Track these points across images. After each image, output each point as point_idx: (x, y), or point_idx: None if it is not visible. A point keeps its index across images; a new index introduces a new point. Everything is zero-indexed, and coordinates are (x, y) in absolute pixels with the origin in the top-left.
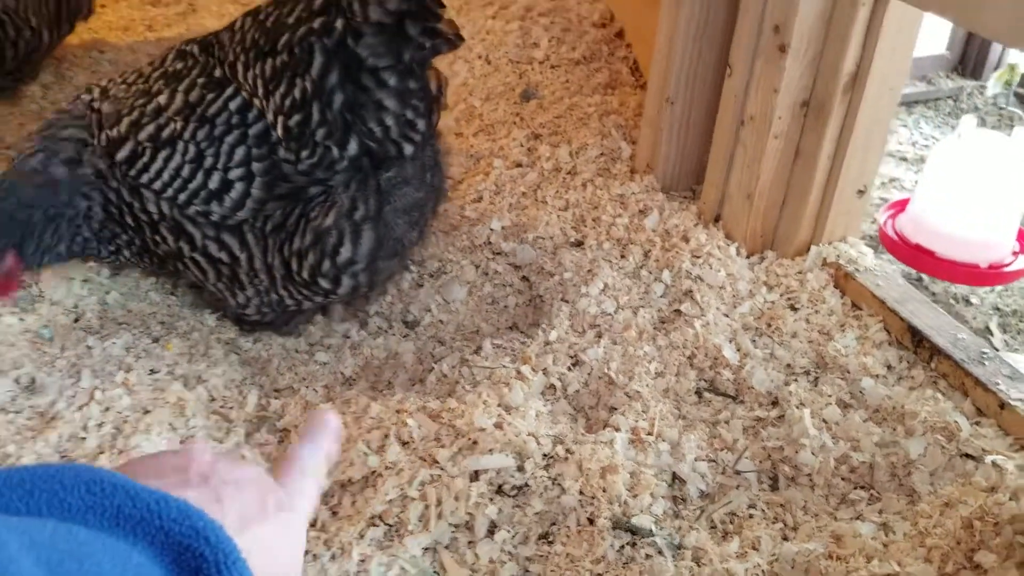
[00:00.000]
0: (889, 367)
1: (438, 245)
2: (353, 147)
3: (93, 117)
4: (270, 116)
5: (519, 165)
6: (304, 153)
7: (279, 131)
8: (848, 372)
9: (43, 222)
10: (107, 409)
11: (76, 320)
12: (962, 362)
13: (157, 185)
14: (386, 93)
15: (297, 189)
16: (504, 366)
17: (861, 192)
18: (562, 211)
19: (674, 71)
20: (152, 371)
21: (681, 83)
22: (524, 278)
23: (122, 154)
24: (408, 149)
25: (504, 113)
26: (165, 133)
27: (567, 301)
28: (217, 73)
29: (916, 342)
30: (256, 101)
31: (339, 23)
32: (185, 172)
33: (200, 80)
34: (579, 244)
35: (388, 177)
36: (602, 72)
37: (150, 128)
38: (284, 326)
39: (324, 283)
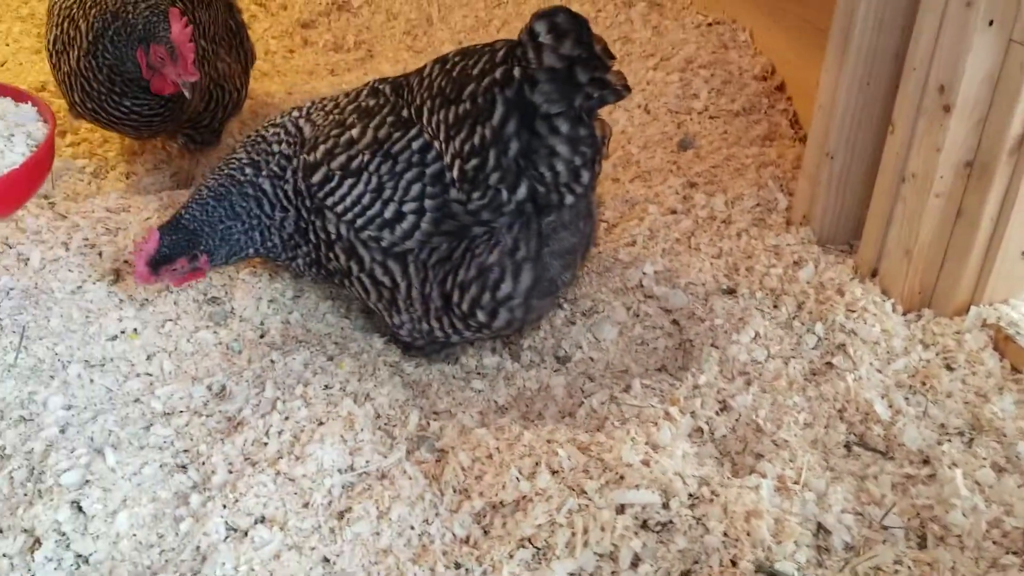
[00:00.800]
0: None
1: (591, 285)
2: (522, 191)
3: (297, 138)
4: (447, 159)
5: (673, 212)
6: (476, 195)
7: (455, 173)
8: (1004, 436)
9: (243, 232)
10: (287, 418)
11: (262, 336)
12: None
13: (339, 208)
14: (558, 139)
15: (462, 227)
16: (652, 406)
17: None
18: (715, 259)
19: (835, 126)
20: (326, 386)
21: (842, 138)
22: (674, 322)
23: (316, 178)
24: (569, 199)
25: (661, 161)
26: (354, 164)
27: (717, 347)
28: (404, 113)
29: None
30: (436, 144)
31: (516, 71)
32: (365, 200)
33: (389, 119)
34: (731, 292)
35: (548, 221)
36: (761, 124)
37: (342, 158)
38: (435, 354)
39: (481, 316)
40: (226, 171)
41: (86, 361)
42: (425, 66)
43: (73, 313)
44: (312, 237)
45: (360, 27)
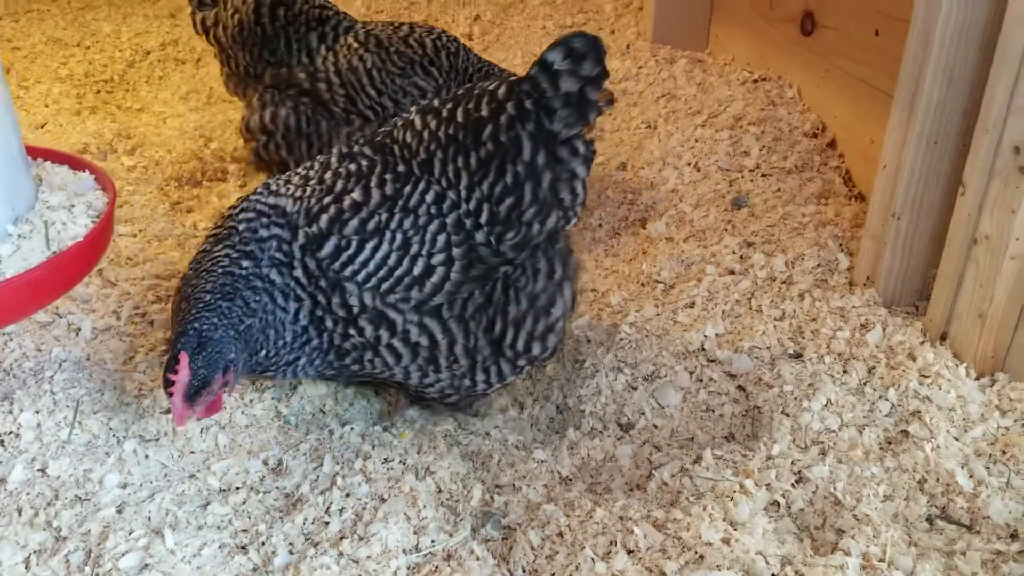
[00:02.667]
0: None
1: (651, 348)
2: (551, 221)
3: (282, 217)
4: (472, 204)
5: (732, 272)
6: (510, 234)
7: (484, 217)
8: None
9: (260, 330)
10: (347, 495)
11: (321, 409)
12: None
13: (362, 276)
14: (578, 161)
15: (489, 270)
16: (727, 479)
17: None
18: (778, 321)
19: (901, 186)
20: (386, 460)
21: (908, 198)
22: (740, 387)
23: (326, 250)
24: (575, 218)
25: (715, 220)
26: (371, 225)
27: (788, 415)
28: (401, 169)
29: None
30: (452, 192)
31: (528, 103)
32: (392, 260)
33: (388, 176)
34: (798, 356)
35: (561, 247)
36: (815, 182)
37: (354, 222)
38: (468, 407)
39: (536, 348)
40: (218, 270)
41: (141, 436)
42: (410, 121)
43: (127, 385)
44: (329, 323)
45: None
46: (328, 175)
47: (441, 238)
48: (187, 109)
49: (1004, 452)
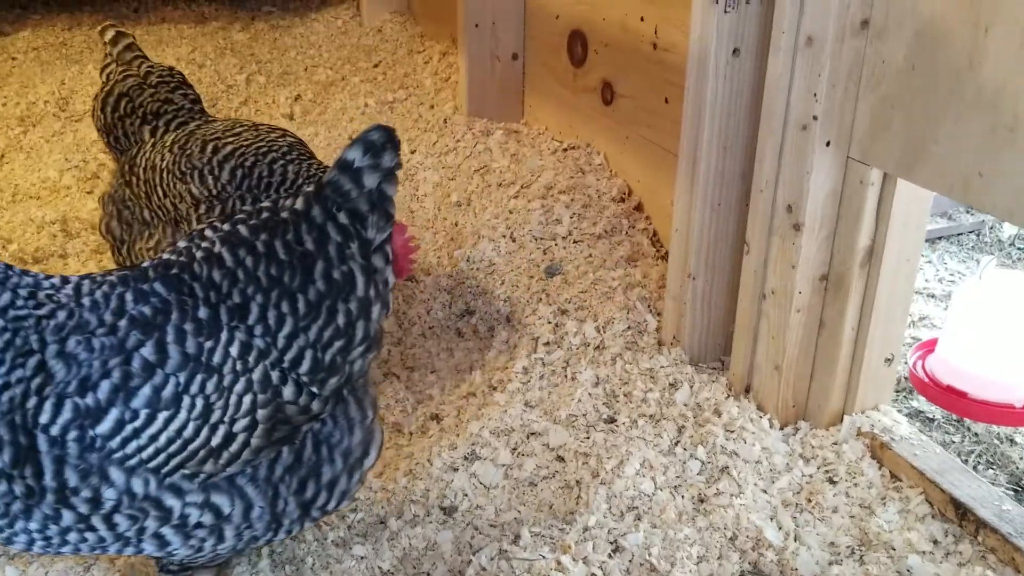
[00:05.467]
0: (935, 542)
1: (470, 426)
2: (375, 350)
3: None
4: (291, 353)
5: (547, 344)
6: (332, 380)
7: (305, 366)
8: (894, 549)
9: None
10: None
11: None
12: (1010, 536)
13: (145, 455)
14: (389, 268)
15: (293, 430)
16: (543, 556)
17: (889, 360)
18: (593, 387)
19: (693, 248)
20: None
21: (701, 259)
22: (559, 458)
23: (102, 428)
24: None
25: (529, 291)
26: (165, 393)
27: (604, 483)
28: (202, 315)
29: (960, 515)
30: (259, 340)
31: (342, 216)
32: (188, 431)
33: (188, 327)
34: (612, 421)
35: (366, 379)
36: (623, 245)
37: (145, 391)
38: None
39: (345, 501)
40: None
41: None
42: (215, 255)
43: None
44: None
45: None
46: (108, 317)
47: (247, 400)
48: None
49: (809, 500)
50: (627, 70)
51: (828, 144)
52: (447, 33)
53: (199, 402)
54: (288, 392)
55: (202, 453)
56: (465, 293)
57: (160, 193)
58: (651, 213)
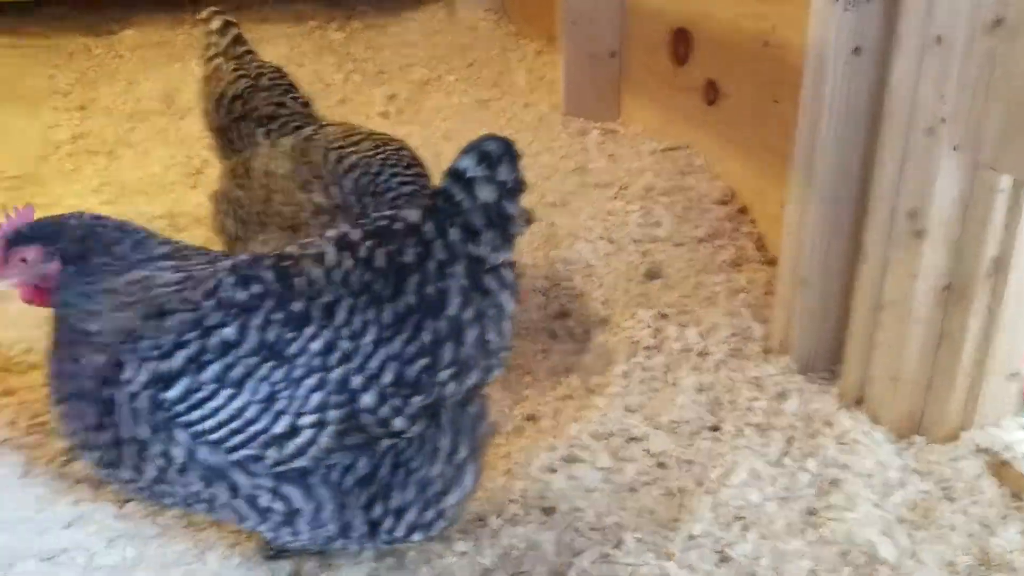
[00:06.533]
0: None
1: (570, 429)
2: (473, 376)
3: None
4: (374, 361)
5: (647, 348)
6: (417, 399)
7: (387, 377)
8: (1015, 570)
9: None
10: None
11: None
12: None
13: (207, 425)
14: (507, 293)
15: (371, 440)
16: (648, 563)
17: (1013, 375)
18: (696, 394)
19: (806, 253)
20: None
21: (814, 264)
22: (660, 464)
23: (173, 392)
24: (499, 369)
25: (628, 293)
26: (235, 373)
27: (709, 491)
28: (295, 308)
29: None
30: (345, 343)
31: (454, 231)
32: (250, 412)
33: (277, 316)
34: (716, 429)
35: (472, 412)
36: (727, 249)
37: (215, 367)
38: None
39: (417, 535)
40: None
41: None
42: (321, 253)
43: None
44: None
45: None
46: (205, 290)
47: (316, 396)
48: (99, 202)
49: (925, 517)
50: (734, 69)
51: (955, 148)
52: (542, 31)
53: (263, 388)
54: (367, 400)
55: (263, 437)
56: (561, 295)
57: (279, 200)
58: (756, 217)
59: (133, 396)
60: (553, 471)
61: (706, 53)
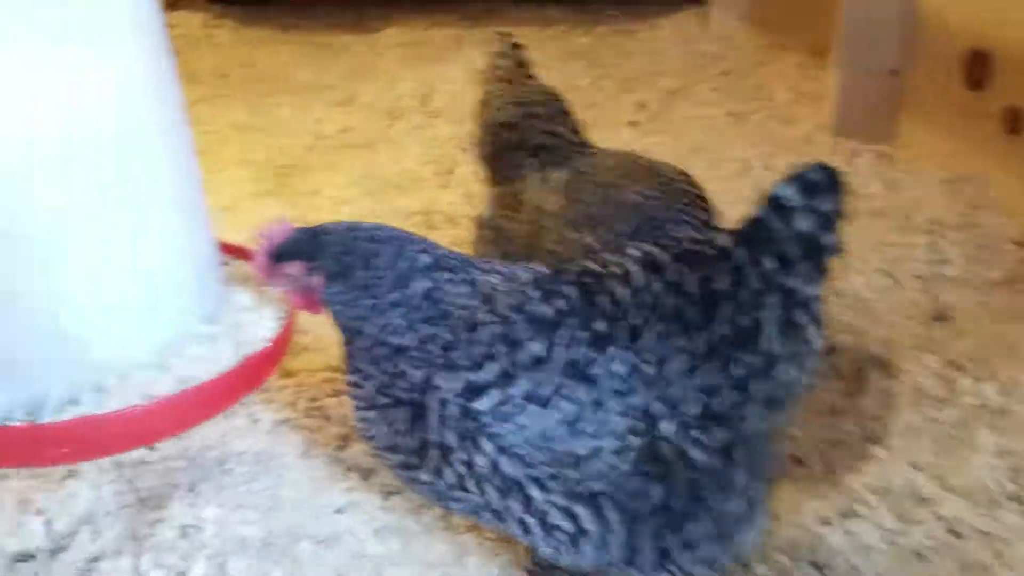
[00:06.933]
0: None
1: (843, 479)
2: (778, 414)
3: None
4: (679, 391)
5: (936, 399)
6: (720, 434)
7: (692, 408)
8: None
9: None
10: None
11: None
12: None
13: (514, 439)
14: (815, 328)
15: (666, 471)
16: None
17: None
18: (995, 458)
19: None
20: None
21: None
22: (952, 531)
23: (484, 403)
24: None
25: (912, 335)
26: (543, 390)
27: (1013, 569)
28: (599, 327)
29: None
30: (650, 368)
31: (768, 261)
32: (553, 431)
33: (582, 335)
34: (1021, 501)
35: (769, 449)
36: None
37: (523, 383)
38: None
39: (700, 570)
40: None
41: (314, 536)
42: (627, 273)
43: (303, 481)
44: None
45: None
46: (515, 310)
47: (620, 421)
48: (359, 194)
49: None
50: None
51: None
52: (803, 43)
53: (570, 408)
54: (666, 428)
55: (565, 458)
56: (829, 328)
57: (550, 239)
58: None
59: (444, 403)
60: (827, 523)
61: (1008, 78)
